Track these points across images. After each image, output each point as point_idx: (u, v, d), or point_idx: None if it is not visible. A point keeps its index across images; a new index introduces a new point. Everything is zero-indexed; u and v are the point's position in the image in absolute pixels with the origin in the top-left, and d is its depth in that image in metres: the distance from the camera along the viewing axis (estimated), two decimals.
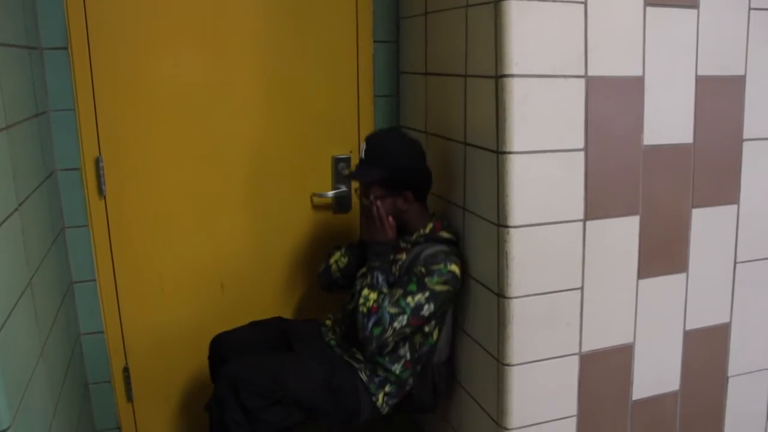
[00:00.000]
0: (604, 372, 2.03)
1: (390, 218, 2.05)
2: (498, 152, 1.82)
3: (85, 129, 2.25)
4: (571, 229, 1.89)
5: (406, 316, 1.93)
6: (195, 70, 2.36)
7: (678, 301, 2.11)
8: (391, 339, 1.96)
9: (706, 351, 2.19)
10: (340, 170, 2.54)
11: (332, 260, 2.28)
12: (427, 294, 1.94)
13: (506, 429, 1.94)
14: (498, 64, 1.78)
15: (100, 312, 2.39)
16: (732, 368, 2.25)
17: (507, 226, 1.82)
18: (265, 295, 2.57)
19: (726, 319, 2.20)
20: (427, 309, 1.95)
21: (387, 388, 2.09)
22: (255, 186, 2.48)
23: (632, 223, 1.98)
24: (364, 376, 2.07)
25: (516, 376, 1.90)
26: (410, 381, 2.11)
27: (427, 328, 2.07)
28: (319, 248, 2.58)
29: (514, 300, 1.85)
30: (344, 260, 2.26)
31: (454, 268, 1.99)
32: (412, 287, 1.95)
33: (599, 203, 1.91)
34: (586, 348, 1.98)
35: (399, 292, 1.96)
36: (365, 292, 1.98)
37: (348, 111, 2.54)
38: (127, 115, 2.29)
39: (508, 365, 1.90)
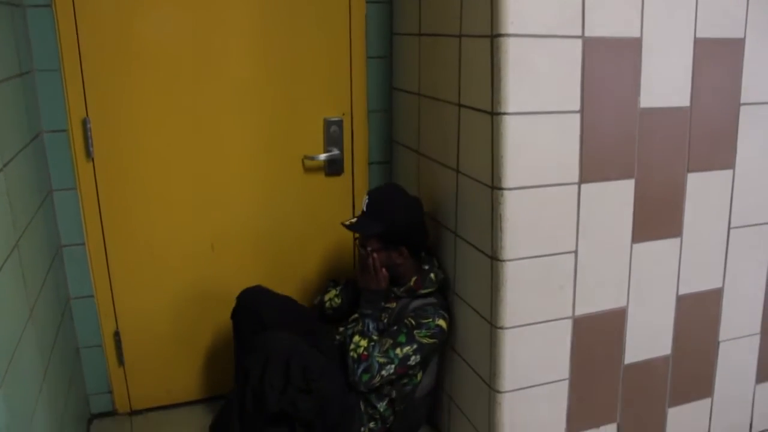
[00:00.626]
0: (596, 336, 2.03)
1: (383, 270, 2.18)
2: (493, 113, 1.79)
3: (72, 89, 2.21)
4: (565, 192, 1.87)
5: (393, 366, 2.08)
6: (185, 29, 2.30)
7: (672, 265, 2.10)
8: (378, 383, 2.11)
9: (699, 316, 2.20)
10: (332, 132, 2.50)
11: (327, 298, 2.45)
12: (414, 346, 2.09)
13: (499, 392, 1.95)
14: (493, 23, 1.74)
15: (90, 276, 2.37)
16: (723, 333, 2.26)
17: (501, 189, 1.80)
18: (256, 257, 2.55)
19: (719, 285, 2.20)
20: (414, 360, 2.10)
21: (371, 425, 2.22)
22: (246, 148, 2.44)
23: (627, 187, 1.96)
24: (362, 405, 2.19)
25: (509, 339, 1.90)
26: (391, 418, 2.23)
27: (411, 371, 2.18)
28: (311, 210, 2.57)
29: (507, 263, 1.84)
30: (337, 301, 2.42)
31: (442, 322, 2.13)
32: (402, 338, 2.09)
33: (594, 166, 1.89)
34: (579, 311, 1.98)
35: (389, 342, 2.09)
36: (356, 338, 2.12)
37: (340, 72, 2.49)
38: (115, 75, 2.24)
39: (501, 328, 1.89)
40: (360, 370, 2.06)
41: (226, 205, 2.47)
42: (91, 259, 2.36)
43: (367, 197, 2.21)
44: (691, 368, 2.23)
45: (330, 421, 2.11)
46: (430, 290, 2.20)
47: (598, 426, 2.13)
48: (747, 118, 2.08)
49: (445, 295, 2.23)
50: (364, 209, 2.20)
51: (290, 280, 2.61)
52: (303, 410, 2.05)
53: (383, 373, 2.07)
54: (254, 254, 2.55)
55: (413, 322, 2.11)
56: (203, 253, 2.48)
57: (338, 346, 2.25)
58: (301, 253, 2.61)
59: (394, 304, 2.23)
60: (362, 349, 2.08)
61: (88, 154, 2.27)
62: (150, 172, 2.36)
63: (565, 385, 2.03)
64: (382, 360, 2.06)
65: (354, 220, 2.23)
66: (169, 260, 2.45)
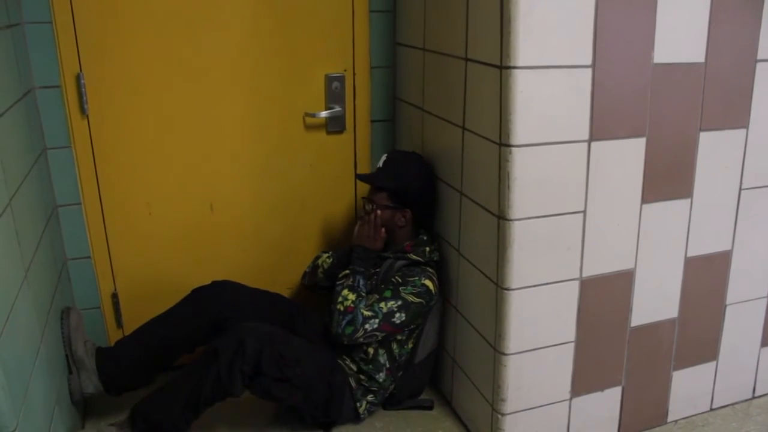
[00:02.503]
0: (603, 298, 2.00)
1: (383, 230, 2.19)
2: (501, 67, 1.72)
3: (64, 43, 2.13)
4: (575, 150, 1.82)
5: (377, 320, 2.06)
6: None
7: (681, 227, 2.06)
8: (361, 339, 2.08)
9: (706, 278, 2.17)
10: (333, 89, 2.43)
11: (319, 261, 2.41)
12: (399, 303, 2.07)
13: (504, 354, 1.92)
14: None
15: (87, 236, 2.33)
16: (730, 296, 2.23)
17: (509, 146, 1.74)
18: (256, 216, 2.51)
19: (728, 247, 2.16)
20: (399, 317, 2.08)
21: (370, 397, 2.21)
22: (245, 105, 2.38)
23: (638, 146, 1.90)
24: (353, 382, 2.18)
25: (515, 300, 1.87)
26: (392, 387, 2.23)
27: (400, 337, 2.18)
28: (312, 169, 2.52)
29: (515, 222, 1.80)
30: (329, 261, 2.38)
31: (428, 283, 2.13)
32: (387, 294, 2.09)
33: (605, 124, 1.83)
34: (586, 273, 1.94)
35: (374, 297, 2.09)
36: (345, 292, 2.10)
37: (342, 27, 2.41)
38: (109, 29, 2.16)
39: (507, 289, 1.86)
40: (344, 322, 2.05)
41: (226, 163, 2.41)
42: (87, 220, 2.31)
43: (385, 155, 2.25)
44: (697, 331, 2.21)
45: (318, 403, 2.10)
46: (419, 259, 2.18)
47: (602, 389, 2.11)
48: (763, 75, 2.01)
49: (436, 270, 2.21)
50: (380, 165, 2.23)
51: (291, 241, 2.57)
52: (280, 398, 2.05)
53: (366, 327, 2.05)
54: (254, 214, 2.50)
55: (399, 280, 2.12)
56: (202, 214, 2.43)
57: (324, 325, 2.24)
58: (301, 212, 2.56)
59: (379, 270, 2.23)
60: (349, 302, 2.07)
61: (83, 111, 2.20)
62: (147, 129, 2.29)
63: (571, 347, 2.00)
64: (367, 313, 2.05)
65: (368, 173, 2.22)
66: (168, 220, 2.40)
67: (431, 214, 2.27)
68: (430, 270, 2.18)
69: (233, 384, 1.95)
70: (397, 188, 2.18)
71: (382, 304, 2.07)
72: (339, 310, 2.07)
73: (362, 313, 2.05)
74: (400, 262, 2.19)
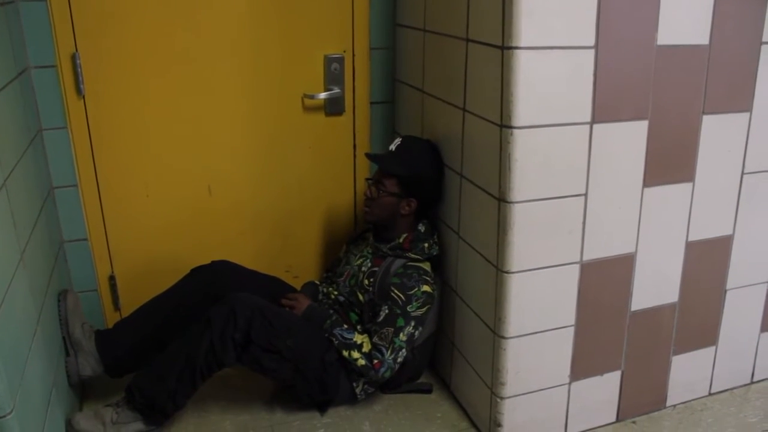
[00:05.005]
0: (604, 282, 1.99)
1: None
2: (503, 48, 1.69)
3: (60, 22, 2.10)
4: (577, 132, 1.80)
5: (404, 350, 2.09)
6: None
7: (682, 211, 2.04)
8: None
9: (707, 263, 2.15)
10: (332, 70, 2.40)
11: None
12: (413, 323, 2.09)
13: (503, 338, 1.91)
14: None
15: (83, 219, 2.31)
16: (731, 281, 2.22)
17: (511, 127, 1.72)
18: (254, 199, 2.49)
19: (729, 232, 2.15)
20: (418, 333, 2.12)
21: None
22: (243, 86, 2.35)
23: (640, 128, 1.88)
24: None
25: (515, 284, 1.85)
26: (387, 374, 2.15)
27: None
28: (311, 152, 2.49)
29: (515, 205, 1.78)
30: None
31: (427, 288, 2.12)
32: (401, 323, 2.07)
33: (608, 106, 1.81)
34: (587, 257, 1.93)
35: (390, 332, 2.07)
36: (345, 353, 2.08)
37: (342, 7, 2.37)
38: (106, 7, 2.13)
39: (507, 273, 1.84)
40: (381, 373, 2.07)
41: (224, 145, 2.39)
42: (84, 202, 2.30)
43: (399, 138, 2.19)
44: (697, 316, 2.20)
45: (311, 378, 2.10)
46: (417, 257, 2.16)
47: (601, 373, 2.10)
48: (767, 58, 1.98)
49: (434, 267, 2.21)
50: (392, 149, 2.16)
51: (289, 224, 2.56)
52: (270, 369, 2.04)
53: (399, 360, 2.09)
54: (252, 197, 2.48)
55: (402, 297, 2.09)
56: (200, 196, 2.42)
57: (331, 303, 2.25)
58: (300, 195, 2.54)
59: (377, 268, 2.20)
60: (363, 360, 2.06)
61: (79, 91, 2.18)
62: (144, 110, 2.27)
63: (571, 331, 1.99)
64: (393, 356, 2.07)
65: (378, 153, 2.17)
66: (166, 202, 2.39)
67: (435, 206, 2.24)
68: (425, 270, 2.15)
69: (226, 352, 1.95)
70: (409, 176, 2.13)
71: (401, 336, 2.07)
72: (366, 365, 2.06)
73: (391, 359, 2.06)
74: (398, 262, 2.16)
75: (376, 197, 2.17)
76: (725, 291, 2.22)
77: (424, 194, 2.16)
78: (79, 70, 2.15)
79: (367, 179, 2.28)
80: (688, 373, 2.26)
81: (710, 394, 2.34)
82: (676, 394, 2.27)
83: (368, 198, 2.20)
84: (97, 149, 2.25)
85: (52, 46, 2.12)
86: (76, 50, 2.14)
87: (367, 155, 2.22)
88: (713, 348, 2.28)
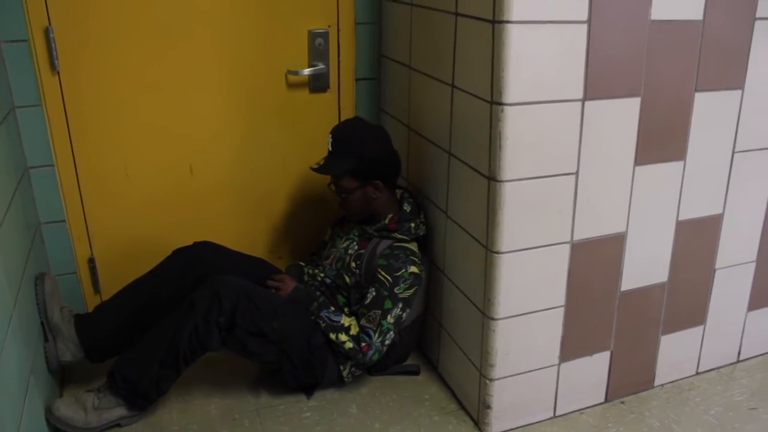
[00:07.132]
0: (594, 262, 1.96)
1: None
2: (493, 22, 1.64)
3: None
4: (568, 110, 1.75)
5: (391, 332, 2.07)
6: None
7: (673, 189, 2.02)
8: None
9: (697, 242, 2.14)
10: (317, 46, 2.34)
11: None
12: (401, 305, 2.07)
13: (493, 319, 1.88)
14: None
15: (61, 199, 2.24)
16: (720, 260, 2.21)
17: (501, 104, 1.67)
18: (236, 178, 2.44)
19: (719, 210, 2.13)
20: (405, 314, 2.10)
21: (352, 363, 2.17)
22: (225, 62, 2.28)
23: (633, 106, 1.85)
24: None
25: (505, 264, 1.82)
26: (375, 357, 2.12)
27: None
28: (295, 129, 2.44)
29: (506, 184, 1.74)
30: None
31: (414, 269, 2.09)
32: (388, 305, 2.05)
33: (600, 82, 1.77)
34: (577, 236, 1.90)
35: (377, 314, 2.05)
36: (332, 336, 2.06)
37: None
38: None
39: (497, 253, 1.81)
40: (369, 357, 2.06)
41: (205, 123, 2.33)
42: (61, 182, 2.22)
43: (330, 136, 2.13)
44: (686, 296, 2.19)
45: (297, 361, 2.07)
46: (404, 238, 2.14)
47: (591, 353, 2.09)
48: (761, 34, 1.95)
49: (421, 247, 2.18)
50: (330, 149, 2.12)
51: (273, 203, 2.51)
52: (255, 353, 2.02)
53: (387, 342, 2.07)
54: (234, 176, 2.43)
55: (389, 279, 2.06)
56: (181, 175, 2.36)
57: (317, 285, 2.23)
58: (284, 173, 2.49)
59: (363, 250, 2.16)
60: (351, 343, 2.05)
61: (53, 67, 2.10)
62: (122, 86, 2.19)
63: (560, 312, 1.97)
64: (381, 338, 2.05)
65: (321, 162, 2.13)
66: (146, 182, 2.32)
67: (399, 170, 2.20)
68: (412, 250, 2.13)
69: (210, 336, 1.92)
70: (356, 166, 2.08)
71: (389, 318, 2.05)
72: (353, 348, 2.05)
73: (378, 341, 2.05)
74: (384, 243, 2.13)
75: (344, 199, 2.15)
76: (714, 270, 2.21)
77: (381, 170, 2.13)
78: (53, 44, 2.07)
79: (328, 185, 2.23)
80: (676, 353, 2.25)
81: (697, 374, 2.34)
82: (664, 373, 2.27)
83: (339, 202, 2.18)
84: (74, 127, 2.18)
85: (23, 19, 2.03)
86: (50, 24, 2.05)
87: (313, 169, 2.14)
88: (701, 327, 2.27)
